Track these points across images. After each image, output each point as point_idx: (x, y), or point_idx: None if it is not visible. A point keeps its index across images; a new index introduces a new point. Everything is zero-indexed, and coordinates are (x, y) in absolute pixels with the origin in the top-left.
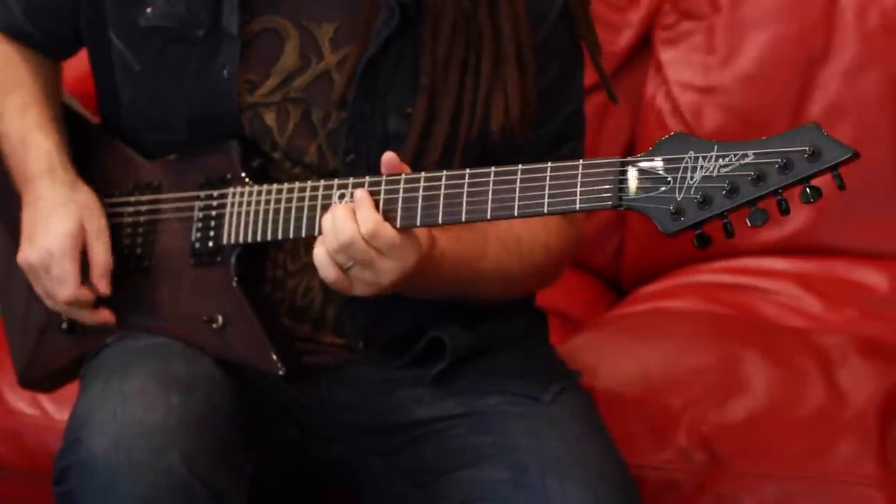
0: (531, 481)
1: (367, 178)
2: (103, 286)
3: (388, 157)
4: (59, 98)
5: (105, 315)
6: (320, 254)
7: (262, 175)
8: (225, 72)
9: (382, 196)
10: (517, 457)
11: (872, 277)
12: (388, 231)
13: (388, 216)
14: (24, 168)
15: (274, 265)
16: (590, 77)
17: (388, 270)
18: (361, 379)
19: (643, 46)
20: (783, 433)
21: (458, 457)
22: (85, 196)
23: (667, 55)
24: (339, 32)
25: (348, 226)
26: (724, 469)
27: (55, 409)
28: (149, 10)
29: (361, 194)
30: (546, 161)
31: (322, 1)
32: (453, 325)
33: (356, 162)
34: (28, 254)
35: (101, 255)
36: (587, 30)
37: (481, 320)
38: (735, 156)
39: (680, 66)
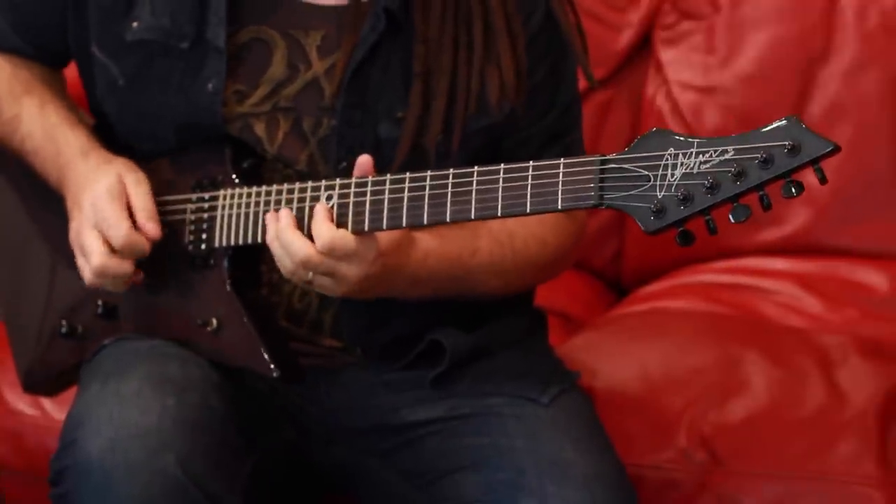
0: (529, 483)
1: (354, 180)
2: (152, 229)
3: (364, 159)
4: (69, 98)
5: (138, 273)
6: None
7: (253, 176)
8: (210, 86)
9: (369, 197)
10: (515, 459)
11: (872, 277)
12: (345, 240)
13: (374, 217)
14: (55, 161)
15: (270, 268)
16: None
17: (351, 274)
18: (360, 382)
19: (643, 46)
20: (783, 433)
21: (457, 459)
22: (122, 160)
23: (667, 55)
24: (327, 40)
25: (298, 246)
26: (724, 469)
27: (55, 409)
28: (135, 24)
29: (318, 208)
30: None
31: (309, 10)
32: (452, 328)
33: (348, 169)
34: (77, 219)
35: (142, 200)
36: (570, 30)
37: (480, 322)
38: (715, 152)
39: (680, 66)
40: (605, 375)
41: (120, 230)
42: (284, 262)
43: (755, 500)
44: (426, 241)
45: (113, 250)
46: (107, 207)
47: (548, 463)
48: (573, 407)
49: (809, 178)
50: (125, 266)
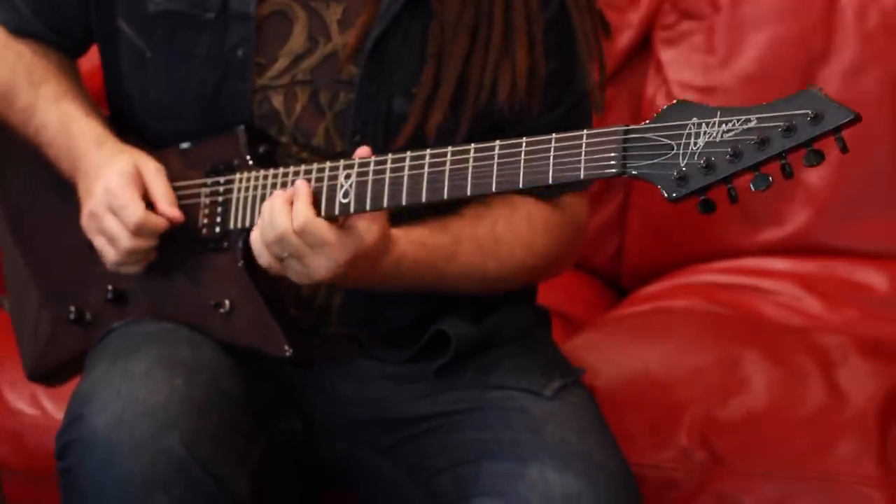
0: (531, 472)
1: (372, 158)
2: (175, 213)
3: (362, 150)
4: (84, 88)
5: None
6: (255, 237)
7: (268, 161)
8: (239, 52)
9: (388, 175)
10: (518, 451)
11: (872, 277)
12: (318, 227)
13: (393, 193)
14: (68, 151)
15: None
16: (594, 76)
17: (319, 266)
18: (364, 373)
19: (643, 46)
20: (783, 433)
21: (459, 453)
22: (137, 150)
23: (667, 55)
24: (348, 13)
25: (282, 220)
26: (724, 468)
27: (55, 408)
28: None
29: (301, 186)
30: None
31: None
32: (458, 319)
33: (363, 143)
34: (89, 205)
35: (162, 187)
36: (583, 34)
37: (485, 315)
38: (738, 121)
39: (680, 66)
40: (606, 375)
41: (136, 211)
42: (266, 230)
43: (755, 500)
44: (403, 245)
45: (132, 232)
46: (121, 192)
47: (550, 453)
48: (576, 401)
49: (812, 175)
50: (150, 244)
